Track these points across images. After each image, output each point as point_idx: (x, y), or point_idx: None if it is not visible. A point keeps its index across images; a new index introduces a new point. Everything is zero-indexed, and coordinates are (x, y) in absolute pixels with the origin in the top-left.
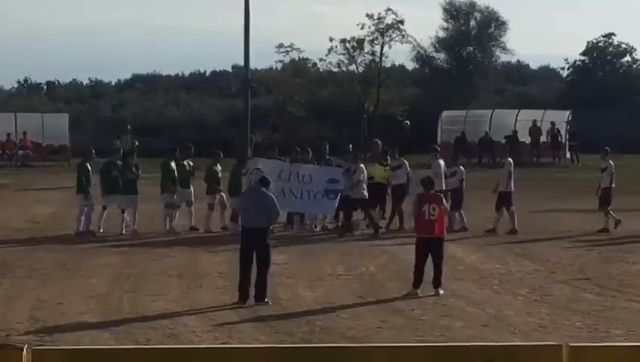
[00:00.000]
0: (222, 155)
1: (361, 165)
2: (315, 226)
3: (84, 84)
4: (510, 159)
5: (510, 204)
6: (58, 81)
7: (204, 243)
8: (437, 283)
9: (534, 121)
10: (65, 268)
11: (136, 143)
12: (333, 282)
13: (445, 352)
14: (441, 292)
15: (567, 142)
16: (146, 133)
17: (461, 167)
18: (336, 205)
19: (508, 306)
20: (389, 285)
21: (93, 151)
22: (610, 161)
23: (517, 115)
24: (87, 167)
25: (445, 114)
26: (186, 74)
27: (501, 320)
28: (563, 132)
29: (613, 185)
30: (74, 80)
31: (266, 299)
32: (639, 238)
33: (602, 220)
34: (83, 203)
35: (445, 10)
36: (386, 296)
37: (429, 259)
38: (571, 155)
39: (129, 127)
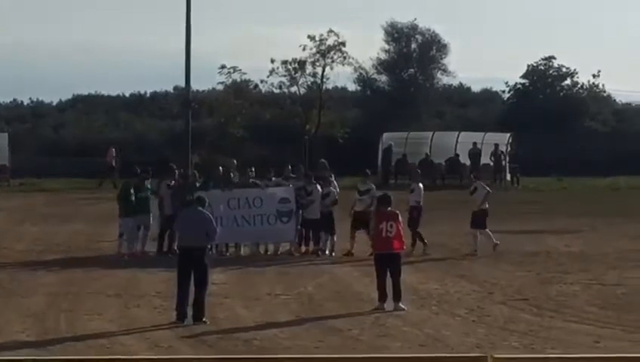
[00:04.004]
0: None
1: (317, 185)
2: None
3: (25, 103)
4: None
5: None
6: None
7: (144, 263)
8: (397, 297)
9: (474, 143)
10: (1, 287)
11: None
12: (271, 302)
13: None
14: (402, 306)
15: (507, 165)
16: (86, 154)
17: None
18: (293, 230)
19: (446, 326)
20: (328, 305)
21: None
22: None
23: (457, 137)
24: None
25: (386, 135)
26: (127, 94)
27: (439, 340)
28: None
29: None
30: (14, 100)
31: (204, 319)
32: (579, 258)
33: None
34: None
35: (387, 32)
36: (324, 315)
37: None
38: (511, 177)
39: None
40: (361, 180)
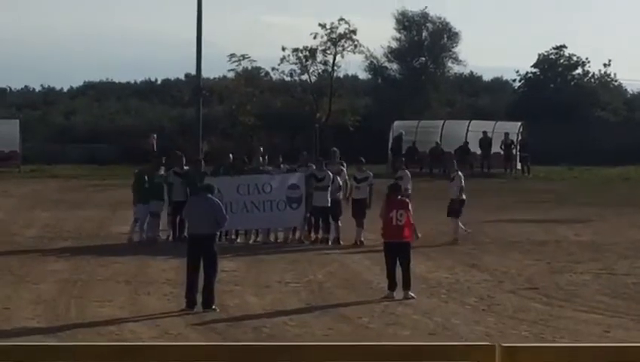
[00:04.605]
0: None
1: (329, 172)
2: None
3: (36, 90)
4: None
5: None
6: (10, 88)
7: (154, 250)
8: (407, 285)
9: (485, 132)
10: (12, 273)
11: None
12: (281, 289)
13: (378, 352)
14: (412, 294)
15: (517, 153)
16: (97, 141)
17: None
18: (302, 216)
19: (455, 315)
20: (337, 293)
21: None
22: None
23: (468, 125)
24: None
25: (397, 124)
26: (138, 81)
27: (448, 329)
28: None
29: None
30: (26, 86)
31: (214, 306)
32: (589, 248)
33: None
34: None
35: (398, 20)
36: (334, 303)
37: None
38: (522, 166)
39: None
40: (357, 168)
